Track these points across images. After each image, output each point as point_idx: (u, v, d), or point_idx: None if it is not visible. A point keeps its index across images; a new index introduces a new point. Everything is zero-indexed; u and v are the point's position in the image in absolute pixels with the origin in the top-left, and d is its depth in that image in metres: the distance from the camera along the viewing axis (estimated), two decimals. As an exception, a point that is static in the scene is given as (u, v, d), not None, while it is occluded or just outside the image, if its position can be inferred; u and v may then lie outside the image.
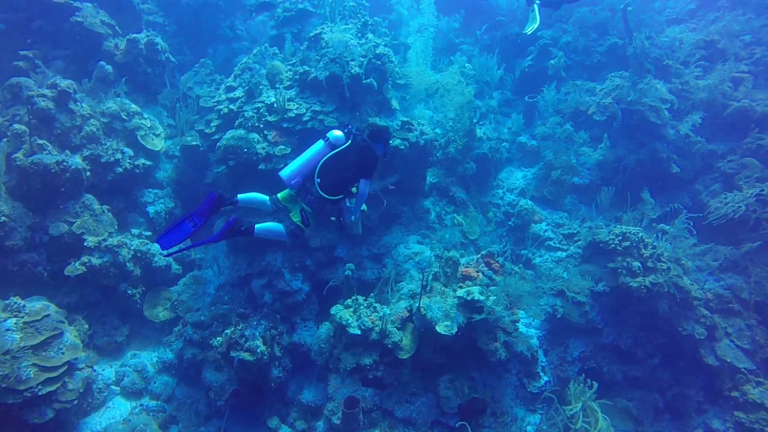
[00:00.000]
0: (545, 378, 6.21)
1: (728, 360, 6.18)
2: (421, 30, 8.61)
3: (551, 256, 7.03)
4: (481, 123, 7.76)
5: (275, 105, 6.02)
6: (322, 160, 4.67)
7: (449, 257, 5.55)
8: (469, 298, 5.03)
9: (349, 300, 5.53)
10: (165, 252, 4.39)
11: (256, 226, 4.70)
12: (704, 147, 7.47)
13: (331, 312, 5.48)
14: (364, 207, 5.47)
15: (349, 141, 4.81)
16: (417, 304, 5.24)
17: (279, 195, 4.88)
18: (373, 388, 5.31)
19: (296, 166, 4.75)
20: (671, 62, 7.78)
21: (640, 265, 6.21)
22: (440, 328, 4.92)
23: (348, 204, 5.07)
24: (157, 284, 6.56)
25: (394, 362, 5.31)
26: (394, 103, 6.79)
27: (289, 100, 6.19)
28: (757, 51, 8.08)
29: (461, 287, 5.44)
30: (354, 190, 4.89)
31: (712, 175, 7.48)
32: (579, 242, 6.95)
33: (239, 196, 4.79)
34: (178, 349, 6.09)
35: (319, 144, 4.84)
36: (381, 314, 5.34)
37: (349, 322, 5.25)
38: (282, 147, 5.93)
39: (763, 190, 6.45)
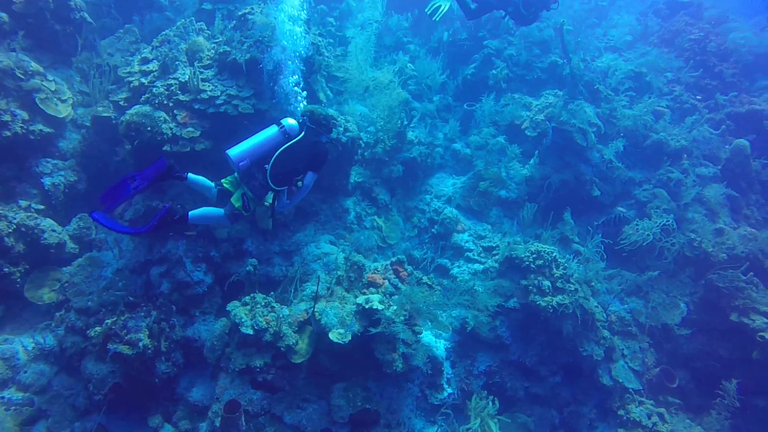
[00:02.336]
0: (449, 390, 6.19)
1: (620, 380, 6.44)
2: (364, 25, 8.37)
3: (468, 268, 7.02)
4: (412, 126, 7.64)
5: (189, 84, 5.63)
6: (279, 151, 4.59)
7: (354, 261, 5.40)
8: (367, 306, 4.89)
9: (247, 297, 5.27)
10: (96, 217, 4.33)
11: (190, 213, 4.53)
12: (624, 174, 7.71)
13: (227, 308, 5.20)
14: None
15: (303, 133, 4.76)
16: (315, 308, 5.05)
17: (223, 181, 4.76)
18: (263, 392, 5.08)
19: (246, 148, 4.61)
20: (602, 87, 7.97)
21: (550, 284, 6.30)
22: (333, 336, 4.75)
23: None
24: (46, 263, 6.01)
25: (287, 366, 5.10)
26: (322, 96, 6.55)
27: (205, 80, 5.81)
28: (676, 89, 8.56)
29: (364, 293, 5.30)
30: (299, 183, 4.89)
31: (628, 201, 7.74)
32: (497, 256, 6.98)
33: (189, 174, 4.68)
34: (60, 335, 5.61)
35: (273, 130, 4.72)
36: (278, 315, 5.11)
37: (243, 320, 4.99)
38: (191, 129, 5.57)
39: (668, 221, 6.72)
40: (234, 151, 4.61)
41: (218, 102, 5.67)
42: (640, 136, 7.90)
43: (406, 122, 7.32)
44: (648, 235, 6.83)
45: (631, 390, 6.43)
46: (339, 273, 5.47)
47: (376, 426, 5.27)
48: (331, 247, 6.08)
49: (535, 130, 7.88)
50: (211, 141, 5.78)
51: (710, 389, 6.32)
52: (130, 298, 5.29)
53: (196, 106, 5.68)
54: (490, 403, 5.60)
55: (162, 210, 4.31)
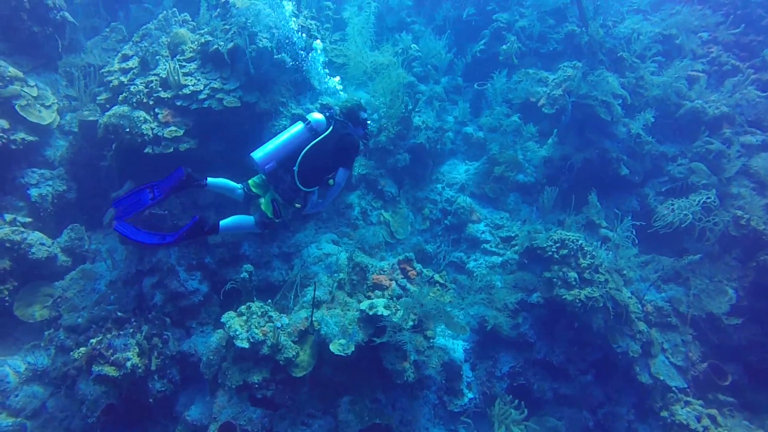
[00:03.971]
0: (470, 395, 5.68)
1: (661, 378, 5.82)
2: (363, 5, 7.79)
3: (486, 261, 6.45)
4: (418, 110, 7.06)
5: (169, 79, 5.20)
6: (305, 149, 4.30)
7: (357, 263, 4.90)
8: (371, 313, 4.40)
9: (243, 307, 4.85)
10: (119, 228, 4.06)
11: (221, 223, 4.27)
12: (655, 148, 6.96)
13: (222, 320, 4.79)
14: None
15: (331, 127, 4.44)
16: (313, 317, 4.59)
17: (250, 181, 4.50)
18: (264, 409, 4.66)
19: (271, 150, 4.34)
20: (626, 54, 7.20)
21: (576, 275, 5.71)
22: (334, 348, 4.28)
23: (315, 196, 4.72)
24: (37, 278, 5.73)
25: (288, 380, 4.66)
26: (316, 83, 6.03)
27: (187, 74, 5.38)
28: (713, 50, 7.61)
29: (369, 297, 4.81)
30: (330, 181, 4.55)
31: (661, 178, 6.99)
32: (516, 247, 6.39)
33: (209, 180, 4.40)
34: (53, 354, 5.32)
35: (299, 127, 4.43)
36: (277, 324, 4.67)
37: (238, 333, 4.57)
38: (174, 128, 5.14)
39: (709, 198, 5.98)
40: (258, 154, 4.32)
41: (201, 97, 5.22)
42: (672, 106, 7.10)
43: (410, 106, 6.75)
44: (686, 215, 6.10)
45: (674, 388, 5.79)
46: (341, 276, 4.99)
47: (388, 441, 4.81)
48: (333, 247, 5.60)
49: (552, 106, 7.19)
50: (196, 139, 5.36)
51: (768, 386, 5.66)
52: (119, 314, 4.94)
53: (179, 103, 5.26)
54: (513, 410, 5.09)
55: (192, 220, 4.08)
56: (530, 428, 5.37)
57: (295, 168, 4.31)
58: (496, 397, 5.52)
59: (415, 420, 5.17)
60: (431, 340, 4.84)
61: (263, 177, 4.48)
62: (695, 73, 7.27)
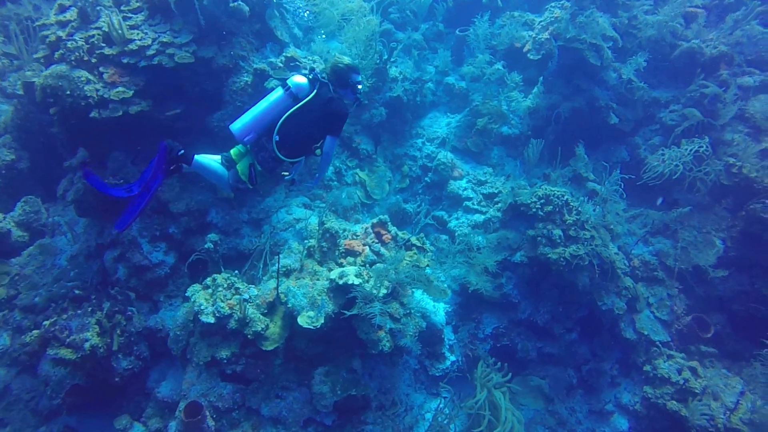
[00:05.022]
0: (452, 358, 5.58)
1: (645, 333, 5.75)
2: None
3: (468, 219, 6.17)
4: (393, 60, 6.53)
5: (111, 33, 4.66)
6: (284, 117, 3.93)
7: (327, 228, 4.59)
8: (341, 282, 4.14)
9: (208, 279, 4.57)
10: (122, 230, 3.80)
11: (196, 156, 3.97)
12: (647, 94, 6.56)
13: (187, 293, 4.53)
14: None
15: (314, 91, 4.02)
16: (279, 289, 4.33)
17: (231, 152, 4.16)
18: (235, 384, 4.49)
19: (249, 120, 4.00)
20: (619, -9, 6.64)
21: (561, 233, 5.47)
22: (302, 320, 4.05)
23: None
24: (-9, 256, 5.41)
25: (259, 354, 4.47)
26: (280, 33, 5.49)
27: (134, 27, 4.83)
28: (715, -19, 7.01)
29: (341, 265, 4.54)
30: (317, 151, 4.18)
31: (652, 126, 6.63)
32: (499, 204, 6.10)
33: (196, 156, 4.08)
34: (11, 336, 5.06)
35: (278, 93, 4.05)
36: (244, 296, 4.42)
37: (203, 307, 4.32)
38: (122, 89, 4.65)
39: (701, 146, 5.65)
40: (235, 126, 3.98)
41: (149, 53, 4.70)
42: (667, 47, 6.61)
43: (386, 56, 6.25)
44: (677, 165, 5.79)
45: (657, 342, 5.72)
46: (310, 243, 4.69)
47: (366, 409, 4.69)
48: (303, 211, 5.28)
49: (538, 52, 6.70)
50: (150, 101, 4.88)
51: (750, 335, 5.56)
52: (76, 292, 4.65)
53: (125, 60, 4.73)
54: (495, 374, 4.97)
55: (161, 148, 3.77)
56: (513, 389, 5.29)
57: (275, 136, 3.94)
58: (479, 359, 5.41)
59: (394, 387, 5.05)
60: (408, 307, 4.61)
61: (247, 147, 4.15)
62: (693, 10, 6.72)
